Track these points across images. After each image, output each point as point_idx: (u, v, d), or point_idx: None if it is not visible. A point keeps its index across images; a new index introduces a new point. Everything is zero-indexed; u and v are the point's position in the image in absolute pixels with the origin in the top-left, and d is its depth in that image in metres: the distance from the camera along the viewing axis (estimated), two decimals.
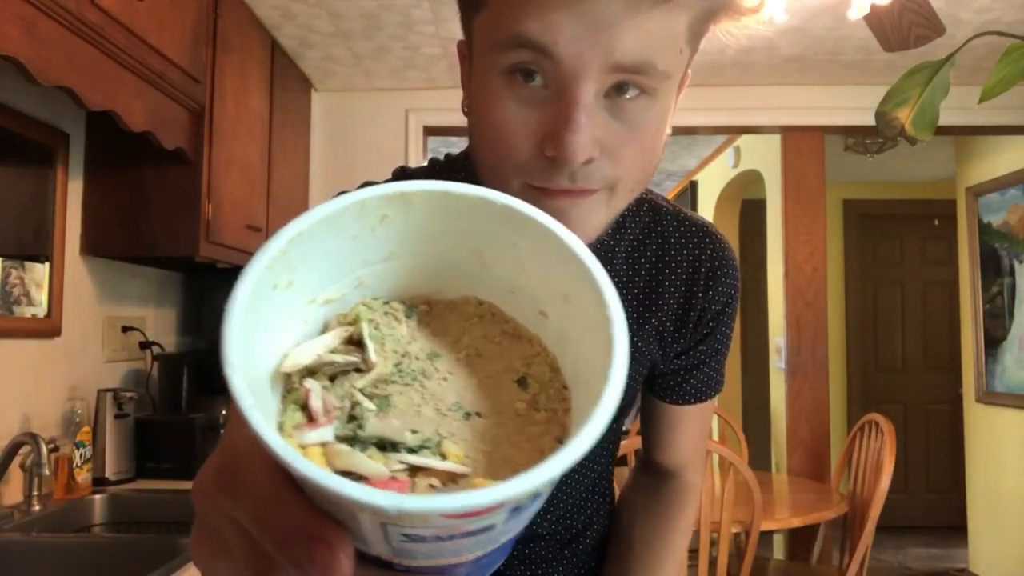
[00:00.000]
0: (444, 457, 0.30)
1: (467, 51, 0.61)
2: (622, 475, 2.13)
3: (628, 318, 0.50)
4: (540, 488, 0.27)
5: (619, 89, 0.54)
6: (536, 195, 0.56)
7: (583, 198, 0.57)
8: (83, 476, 1.86)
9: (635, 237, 0.78)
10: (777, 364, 3.71)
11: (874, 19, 1.91)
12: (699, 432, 0.87)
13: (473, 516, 0.27)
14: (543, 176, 0.55)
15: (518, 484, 0.25)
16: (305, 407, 0.30)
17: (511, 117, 0.55)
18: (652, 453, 0.90)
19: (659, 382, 0.83)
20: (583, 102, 0.53)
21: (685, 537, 0.88)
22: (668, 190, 6.29)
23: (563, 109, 0.53)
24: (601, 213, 0.59)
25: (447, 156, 0.79)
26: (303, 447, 0.29)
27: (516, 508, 0.29)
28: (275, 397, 0.31)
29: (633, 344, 0.75)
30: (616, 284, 0.62)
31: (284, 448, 0.25)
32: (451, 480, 0.29)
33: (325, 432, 0.29)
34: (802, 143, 3.57)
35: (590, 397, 0.29)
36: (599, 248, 0.74)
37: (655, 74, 0.55)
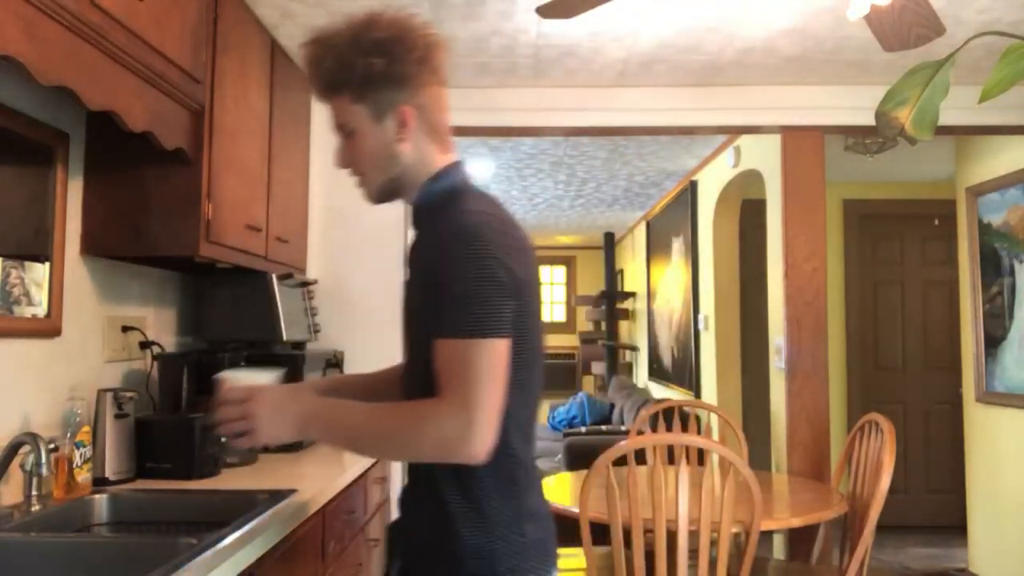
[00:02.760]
0: None
1: None
2: (622, 474, 2.13)
3: (419, 258, 1.28)
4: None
5: (339, 132, 1.34)
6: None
7: (360, 186, 1.36)
8: (83, 476, 1.86)
9: (435, 212, 1.29)
10: (777, 364, 3.71)
11: (874, 19, 1.91)
12: (438, 365, 1.16)
13: None
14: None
15: None
16: None
17: None
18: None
19: None
20: (337, 144, 1.35)
21: (407, 412, 1.20)
22: (668, 190, 6.30)
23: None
24: (367, 189, 1.36)
25: None
26: None
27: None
28: None
29: (410, 270, 1.31)
30: (419, 241, 1.31)
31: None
32: None
33: None
34: (802, 143, 3.57)
35: None
36: (418, 219, 1.34)
37: (343, 125, 1.33)
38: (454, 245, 1.17)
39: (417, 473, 1.31)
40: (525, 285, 1.22)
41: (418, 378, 1.23)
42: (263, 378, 1.39)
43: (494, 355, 1.14)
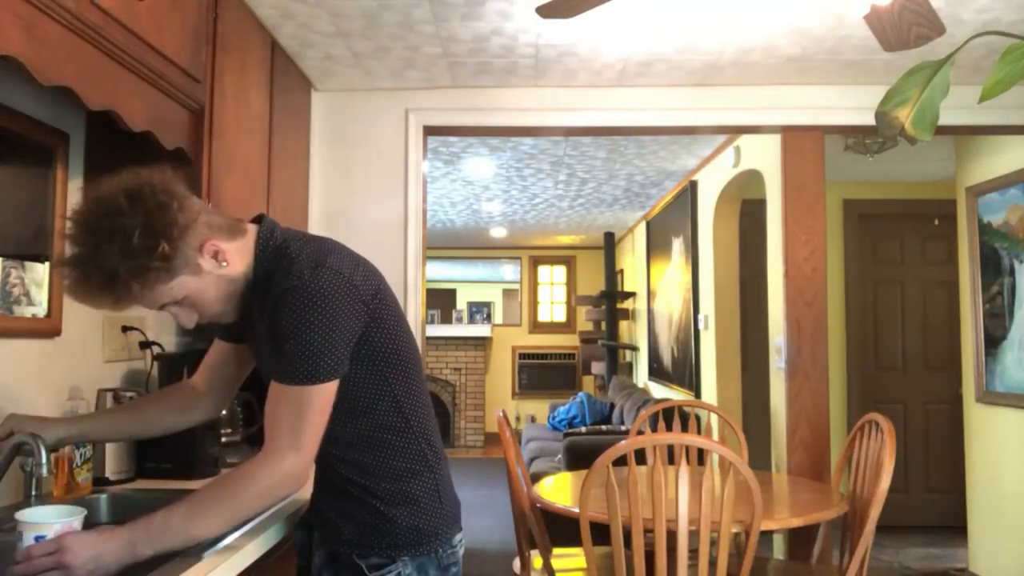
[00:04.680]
0: None
1: None
2: (622, 474, 2.13)
3: (264, 320, 1.38)
4: (22, 529, 1.24)
5: (166, 310, 1.35)
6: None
7: (210, 321, 1.43)
8: (83, 476, 1.86)
9: (265, 282, 1.39)
10: (777, 364, 3.71)
11: (874, 19, 1.91)
12: (272, 409, 1.34)
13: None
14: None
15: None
16: None
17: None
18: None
19: None
20: (174, 315, 1.37)
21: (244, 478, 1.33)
22: (668, 190, 6.30)
23: (175, 318, 1.39)
24: (225, 316, 1.43)
25: None
26: None
27: (18, 535, 1.23)
28: None
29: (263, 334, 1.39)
30: (260, 303, 1.39)
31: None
32: None
33: None
34: (802, 143, 3.57)
35: None
36: (260, 287, 1.40)
37: (175, 300, 1.34)
38: (283, 295, 1.35)
39: (331, 481, 1.49)
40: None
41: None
42: (61, 522, 1.25)
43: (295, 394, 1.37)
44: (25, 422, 1.51)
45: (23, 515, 1.24)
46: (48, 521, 1.23)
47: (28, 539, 1.20)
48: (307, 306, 1.30)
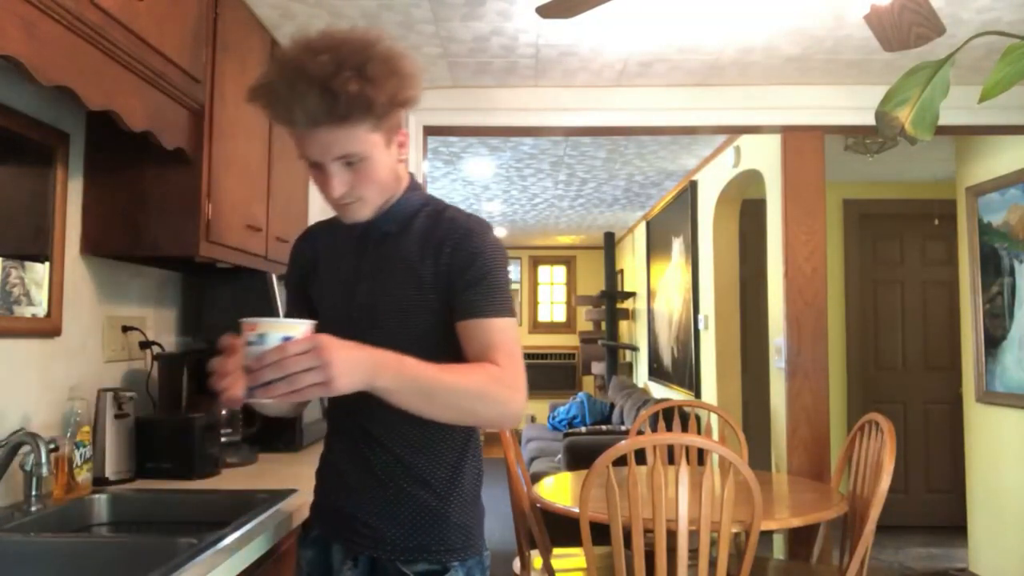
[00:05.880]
0: None
1: None
2: (622, 474, 2.13)
3: (415, 256, 1.33)
4: (265, 330, 1.09)
5: (344, 161, 1.26)
6: (336, 207, 1.33)
7: (349, 207, 1.32)
8: (83, 476, 1.86)
9: (427, 217, 1.37)
10: (777, 364, 3.71)
11: (874, 19, 1.91)
12: (487, 340, 1.28)
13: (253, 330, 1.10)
14: (331, 200, 1.31)
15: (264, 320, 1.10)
16: None
17: (315, 179, 1.31)
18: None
19: (453, 312, 1.30)
20: (332, 173, 1.27)
21: (483, 374, 1.25)
22: (668, 190, 6.30)
23: (326, 177, 1.28)
24: (365, 210, 1.33)
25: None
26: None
27: (260, 336, 1.09)
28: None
29: (415, 266, 1.32)
30: (412, 238, 1.34)
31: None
32: None
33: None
34: (802, 143, 3.57)
35: None
36: (404, 222, 1.37)
37: (356, 154, 1.25)
38: (484, 239, 1.32)
39: (370, 471, 1.35)
40: None
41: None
42: (308, 323, 1.13)
43: (517, 333, 1.34)
44: None
45: (258, 320, 1.10)
46: (293, 322, 1.12)
47: (275, 339, 1.08)
48: (498, 248, 1.32)
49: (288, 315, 1.48)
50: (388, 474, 1.34)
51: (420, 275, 1.31)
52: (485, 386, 1.22)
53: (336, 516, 1.39)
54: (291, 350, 1.06)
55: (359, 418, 1.34)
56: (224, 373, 1.09)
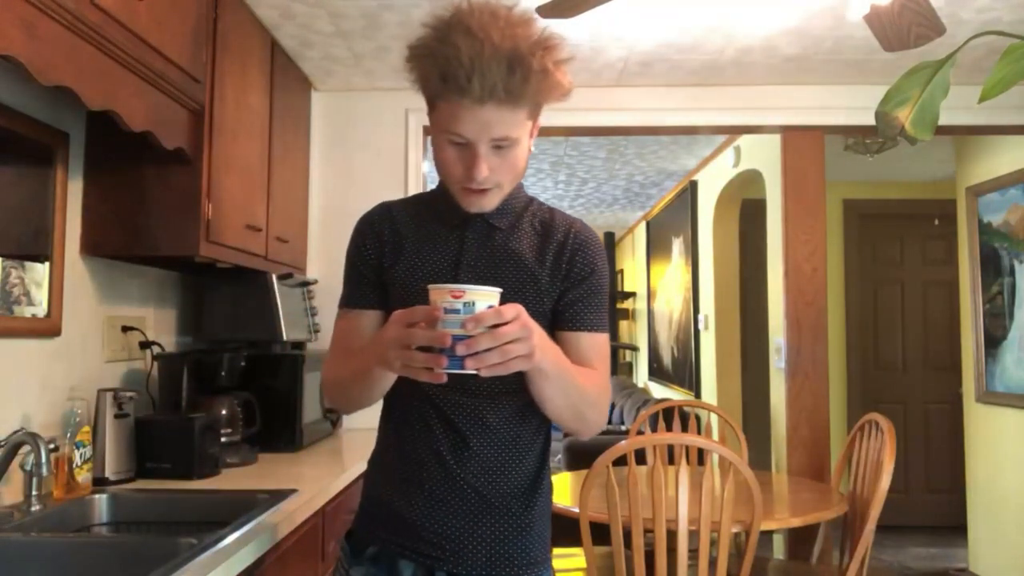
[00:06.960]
0: None
1: (430, 120, 1.21)
2: (622, 474, 2.13)
3: (530, 253, 1.28)
4: (473, 298, 1.00)
5: (495, 144, 1.16)
6: (466, 192, 1.22)
7: (484, 193, 1.22)
8: (83, 476, 1.86)
9: (536, 217, 1.33)
10: (777, 364, 3.71)
11: (874, 19, 1.90)
12: (591, 353, 1.27)
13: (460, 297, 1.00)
14: (468, 183, 1.19)
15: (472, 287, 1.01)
16: None
17: (452, 158, 1.19)
18: None
19: (558, 318, 1.27)
20: (481, 154, 1.16)
21: (593, 377, 1.25)
22: (668, 190, 6.30)
23: (473, 157, 1.17)
24: (495, 199, 1.24)
25: (427, 192, 1.39)
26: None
27: (468, 304, 0.99)
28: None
29: (532, 268, 1.27)
30: (524, 237, 1.29)
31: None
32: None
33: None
34: (802, 143, 3.57)
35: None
36: (514, 219, 1.31)
37: (510, 139, 1.17)
38: (600, 252, 1.32)
39: (474, 475, 1.23)
40: None
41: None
42: (496, 297, 1.04)
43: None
44: None
45: (465, 286, 1.02)
46: (491, 289, 1.04)
47: (481, 306, 1.01)
48: (607, 261, 1.34)
49: (351, 297, 1.38)
50: (475, 482, 1.23)
51: (537, 278, 1.26)
52: (598, 395, 1.24)
53: (406, 528, 1.24)
54: (508, 315, 0.99)
55: (450, 421, 1.24)
56: (429, 345, 1.00)
